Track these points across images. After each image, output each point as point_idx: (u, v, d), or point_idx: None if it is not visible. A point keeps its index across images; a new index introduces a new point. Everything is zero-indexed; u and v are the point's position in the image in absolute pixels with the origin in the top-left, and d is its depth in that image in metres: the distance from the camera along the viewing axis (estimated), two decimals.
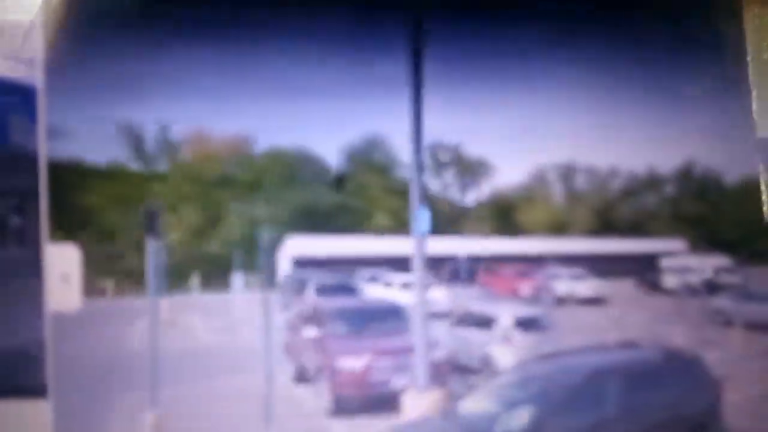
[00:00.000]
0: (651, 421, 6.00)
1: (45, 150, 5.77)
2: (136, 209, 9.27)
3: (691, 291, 19.79)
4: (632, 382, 6.18)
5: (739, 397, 8.68)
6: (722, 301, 18.29)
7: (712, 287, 22.33)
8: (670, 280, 26.14)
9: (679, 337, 12.07)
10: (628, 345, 7.21)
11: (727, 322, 16.59)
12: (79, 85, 6.91)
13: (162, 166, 13.66)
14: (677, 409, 6.23)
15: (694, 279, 21.05)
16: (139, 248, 8.02)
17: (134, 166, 12.62)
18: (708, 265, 23.64)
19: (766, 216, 8.26)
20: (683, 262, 16.37)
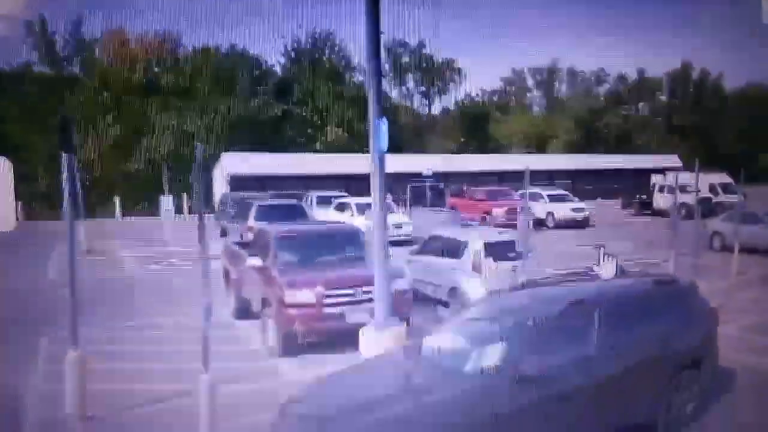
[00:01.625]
0: (639, 356, 6.15)
1: None
2: (47, 120, 9.17)
3: (685, 212, 20.17)
4: (618, 314, 6.31)
5: (733, 329, 9.00)
6: (719, 224, 18.69)
7: (708, 208, 22.82)
8: (661, 200, 26.70)
9: (670, 263, 12.34)
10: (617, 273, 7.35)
11: (724, 246, 16.98)
12: None
13: (76, 70, 13.42)
14: (669, 343, 6.39)
15: (689, 199, 21.45)
16: (52, 166, 7.96)
17: (43, 70, 12.37)
18: (704, 182, 24.10)
19: None
20: (677, 180, 16.59)
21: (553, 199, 24.61)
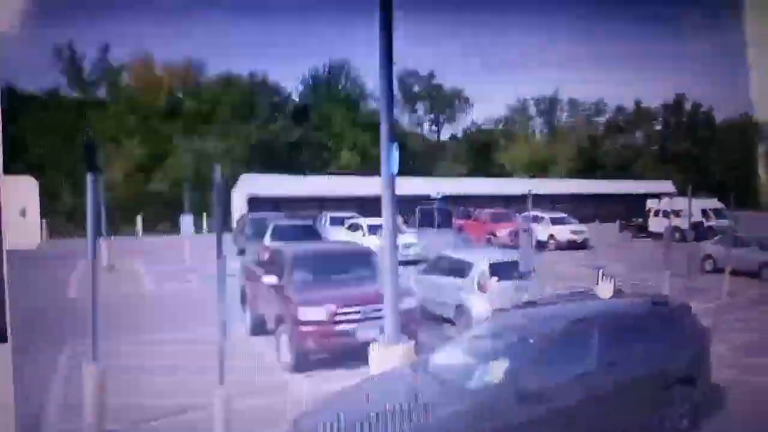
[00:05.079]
0: (635, 373, 6.08)
1: None
2: (73, 142, 9.10)
3: (678, 235, 20.07)
4: (615, 332, 6.23)
5: (724, 348, 8.90)
6: (712, 247, 18.58)
7: (701, 231, 22.72)
8: (656, 224, 26.61)
9: (665, 283, 12.24)
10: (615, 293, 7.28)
11: (717, 268, 16.84)
12: (9, 2, 6.72)
13: (102, 94, 13.40)
14: (663, 360, 6.32)
15: (682, 223, 21.37)
16: (77, 185, 7.88)
17: (71, 94, 12.37)
18: (697, 207, 24.02)
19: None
20: (671, 204, 16.51)
21: (554, 221, 24.61)
